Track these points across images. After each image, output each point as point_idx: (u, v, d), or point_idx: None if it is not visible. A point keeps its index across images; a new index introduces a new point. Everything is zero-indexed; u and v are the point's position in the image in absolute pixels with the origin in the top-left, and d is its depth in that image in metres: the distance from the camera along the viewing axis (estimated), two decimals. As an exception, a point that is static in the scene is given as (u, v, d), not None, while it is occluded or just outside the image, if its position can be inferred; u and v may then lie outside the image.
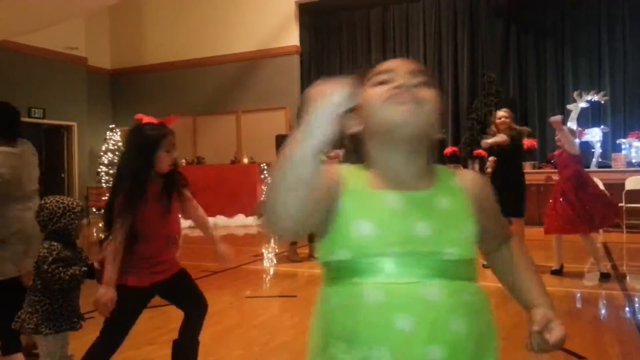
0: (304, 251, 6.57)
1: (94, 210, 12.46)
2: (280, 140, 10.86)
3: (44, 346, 2.37)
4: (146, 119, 2.45)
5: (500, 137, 5.42)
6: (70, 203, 2.44)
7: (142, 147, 2.36)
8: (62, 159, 12.39)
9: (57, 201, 2.42)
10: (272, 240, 8.28)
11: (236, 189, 10.81)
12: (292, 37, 12.03)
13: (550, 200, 5.23)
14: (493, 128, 5.64)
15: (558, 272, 5.25)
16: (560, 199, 5.08)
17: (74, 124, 12.41)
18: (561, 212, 5.05)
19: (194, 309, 2.60)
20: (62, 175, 12.34)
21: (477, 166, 9.23)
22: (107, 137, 13.07)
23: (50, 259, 2.29)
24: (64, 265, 2.33)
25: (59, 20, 11.28)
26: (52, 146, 12.38)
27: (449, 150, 10.26)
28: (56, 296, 2.36)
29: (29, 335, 2.55)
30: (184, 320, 2.58)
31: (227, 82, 12.62)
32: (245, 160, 11.59)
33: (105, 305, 2.23)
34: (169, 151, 2.42)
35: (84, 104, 12.63)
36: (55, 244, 2.35)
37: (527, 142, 8.84)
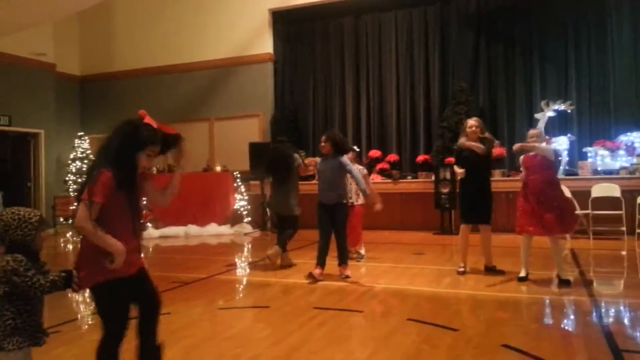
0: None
1: (62, 220, 12.18)
2: (254, 148, 10.85)
3: None
4: (148, 119, 2.57)
5: (478, 146, 5.51)
6: (26, 214, 2.37)
7: (130, 144, 2.49)
8: (29, 168, 12.07)
9: (13, 212, 2.36)
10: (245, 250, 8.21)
11: (209, 197, 10.72)
12: (265, 45, 12.02)
13: (521, 200, 5.31)
14: (462, 139, 5.72)
15: (524, 279, 5.33)
16: (530, 200, 5.18)
17: (41, 131, 12.12)
18: (530, 213, 5.16)
19: (152, 306, 2.66)
20: (29, 184, 12.02)
21: (448, 174, 9.34)
22: (76, 145, 12.81)
23: (21, 269, 2.25)
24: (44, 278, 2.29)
25: (26, 25, 11.05)
26: (19, 154, 12.07)
27: (421, 158, 10.37)
28: (20, 311, 2.30)
29: None
30: (140, 320, 2.61)
31: (200, 89, 12.53)
32: (218, 168, 11.50)
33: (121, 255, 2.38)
34: (149, 156, 2.55)
35: (51, 111, 12.36)
36: (18, 255, 2.29)
37: (496, 151, 9.02)
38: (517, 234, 5.44)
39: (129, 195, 2.50)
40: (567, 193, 8.56)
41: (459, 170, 5.72)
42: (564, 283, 5.10)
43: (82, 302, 5.22)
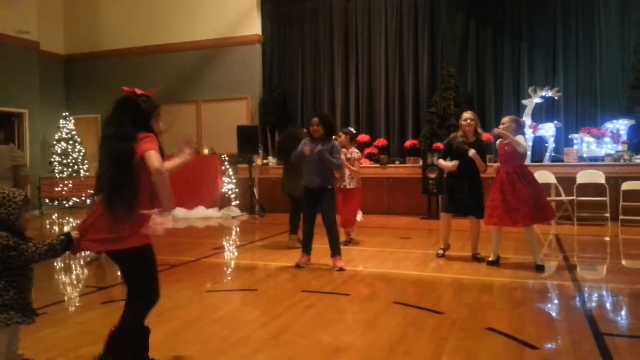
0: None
1: (47, 201, 12.06)
2: (242, 130, 10.79)
3: None
4: (137, 90, 2.69)
5: (480, 164, 5.46)
6: (11, 193, 2.39)
7: (139, 116, 2.61)
8: (13, 148, 11.88)
9: (9, 190, 2.38)
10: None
11: (196, 180, 10.66)
12: (253, 26, 11.89)
13: (494, 194, 5.30)
14: (459, 136, 5.62)
15: (494, 263, 5.41)
16: (499, 191, 5.20)
17: (25, 111, 11.91)
18: (498, 204, 5.18)
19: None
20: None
21: (435, 159, 9.37)
22: (61, 126, 12.62)
23: (11, 242, 2.28)
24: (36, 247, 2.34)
25: (9, 1, 10.80)
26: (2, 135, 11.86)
27: (409, 143, 10.39)
28: (7, 287, 2.31)
29: None
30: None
31: (187, 71, 12.38)
32: (206, 151, 11.43)
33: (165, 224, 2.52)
34: (158, 121, 2.76)
35: (35, 91, 12.13)
36: (3, 232, 2.30)
37: (483, 137, 9.05)
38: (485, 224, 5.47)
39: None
40: (552, 179, 8.69)
41: (449, 164, 5.58)
42: (539, 269, 5.17)
43: (69, 284, 5.20)
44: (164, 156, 2.61)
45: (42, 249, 2.35)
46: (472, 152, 5.46)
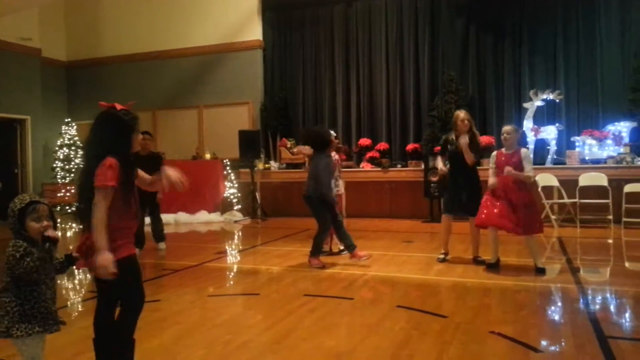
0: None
1: (50, 206, 12.06)
2: (244, 135, 10.80)
3: (23, 351, 2.35)
4: (118, 105, 2.71)
5: (469, 157, 5.51)
6: (13, 203, 2.39)
7: (121, 130, 2.64)
8: (16, 154, 11.91)
9: (13, 200, 2.39)
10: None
11: (198, 185, 10.66)
12: (255, 32, 11.92)
13: (487, 196, 5.31)
14: (460, 137, 5.62)
15: (494, 266, 5.40)
16: (500, 197, 5.18)
17: (27, 117, 11.95)
18: (489, 206, 5.19)
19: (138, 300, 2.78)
20: (16, 170, 11.88)
21: (437, 163, 9.35)
22: (63, 132, 12.67)
23: (17, 255, 2.27)
24: (33, 259, 2.31)
25: (11, 9, 10.85)
26: (5, 141, 11.91)
27: (410, 146, 10.40)
28: (27, 297, 2.32)
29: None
30: (119, 314, 2.73)
31: (188, 76, 12.41)
32: (208, 156, 11.44)
33: (106, 268, 2.43)
34: (138, 137, 2.80)
35: (37, 97, 12.17)
36: (19, 241, 2.31)
37: (485, 140, 9.06)
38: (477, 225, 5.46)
39: (130, 179, 2.65)
40: (554, 182, 8.68)
41: (441, 166, 5.80)
42: (539, 271, 5.15)
43: (72, 289, 5.20)
44: (135, 170, 2.70)
45: (35, 264, 2.29)
46: (463, 140, 5.51)
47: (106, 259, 2.43)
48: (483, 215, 5.22)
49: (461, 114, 5.76)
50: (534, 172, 5.26)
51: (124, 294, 2.66)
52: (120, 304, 2.70)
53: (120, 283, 2.54)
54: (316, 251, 5.77)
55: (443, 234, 5.90)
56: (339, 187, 6.59)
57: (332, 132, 6.34)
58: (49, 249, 2.39)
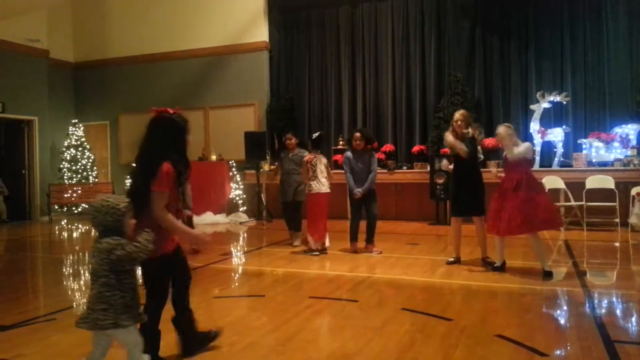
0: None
1: (56, 207, 12.14)
2: (250, 137, 10.81)
3: (129, 339, 2.52)
4: (162, 109, 2.93)
5: (462, 149, 5.52)
6: (115, 201, 2.54)
7: (176, 132, 2.87)
8: (23, 155, 11.97)
9: (102, 199, 2.54)
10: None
11: (204, 186, 10.69)
12: (261, 33, 11.94)
13: (494, 201, 5.31)
14: (450, 136, 5.66)
15: (500, 269, 5.39)
16: (499, 199, 5.21)
17: (35, 118, 12.02)
18: (495, 214, 5.21)
19: (187, 278, 3.13)
20: (23, 171, 11.95)
21: (443, 164, 9.35)
22: (70, 133, 12.73)
23: (123, 241, 2.47)
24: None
25: (19, 11, 10.94)
26: (12, 141, 11.99)
27: (416, 148, 10.38)
28: (127, 289, 2.51)
29: (105, 331, 2.55)
30: (174, 292, 3.05)
31: (194, 78, 12.45)
32: (214, 157, 11.47)
33: (198, 237, 3.10)
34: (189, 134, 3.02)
35: (45, 98, 12.24)
36: (116, 237, 2.47)
37: (491, 142, 9.03)
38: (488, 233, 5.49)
39: (181, 180, 2.86)
40: (561, 185, 8.64)
41: (445, 162, 5.84)
42: (547, 275, 5.13)
43: (77, 290, 5.22)
44: (184, 175, 2.90)
45: (144, 245, 2.50)
46: (448, 138, 5.62)
47: (192, 233, 2.99)
48: (496, 223, 5.21)
49: (456, 114, 5.78)
50: (514, 156, 5.21)
51: (180, 276, 3.04)
52: (172, 284, 3.03)
53: (172, 269, 2.97)
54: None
55: (454, 238, 5.90)
56: (314, 187, 6.69)
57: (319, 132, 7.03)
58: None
